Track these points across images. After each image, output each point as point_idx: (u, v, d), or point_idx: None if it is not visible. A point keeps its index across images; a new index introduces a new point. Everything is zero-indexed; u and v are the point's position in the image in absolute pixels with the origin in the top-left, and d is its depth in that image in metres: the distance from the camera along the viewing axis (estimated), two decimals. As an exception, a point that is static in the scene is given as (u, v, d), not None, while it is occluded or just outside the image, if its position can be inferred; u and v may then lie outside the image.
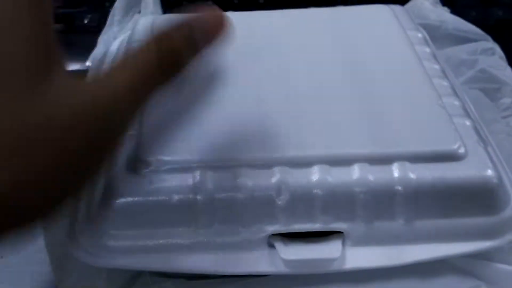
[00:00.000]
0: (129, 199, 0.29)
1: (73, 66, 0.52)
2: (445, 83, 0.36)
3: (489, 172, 0.30)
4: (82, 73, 0.46)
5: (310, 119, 0.32)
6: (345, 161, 0.30)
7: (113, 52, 0.45)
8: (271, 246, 0.30)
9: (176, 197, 0.29)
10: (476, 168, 0.30)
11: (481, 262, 0.32)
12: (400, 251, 0.30)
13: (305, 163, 0.30)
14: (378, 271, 0.31)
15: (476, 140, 0.32)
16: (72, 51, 0.54)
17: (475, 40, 0.48)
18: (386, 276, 0.31)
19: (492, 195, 0.30)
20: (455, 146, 0.30)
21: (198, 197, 0.29)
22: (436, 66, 0.37)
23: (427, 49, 0.39)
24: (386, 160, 0.30)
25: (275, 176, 0.29)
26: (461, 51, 0.47)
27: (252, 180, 0.29)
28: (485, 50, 0.47)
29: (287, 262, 0.29)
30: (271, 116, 0.32)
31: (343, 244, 0.30)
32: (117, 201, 0.29)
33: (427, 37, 0.43)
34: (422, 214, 0.30)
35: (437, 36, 0.48)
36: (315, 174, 0.30)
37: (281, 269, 0.29)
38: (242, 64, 0.36)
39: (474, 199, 0.30)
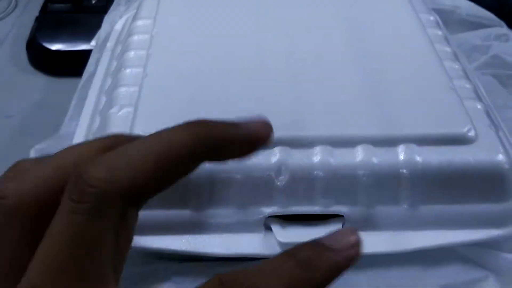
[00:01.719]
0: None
1: (80, 46, 0.52)
2: (456, 66, 0.35)
3: (500, 156, 0.28)
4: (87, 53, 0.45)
5: (314, 98, 0.31)
6: (349, 142, 0.29)
7: (117, 31, 0.44)
8: (268, 228, 0.29)
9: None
10: (486, 152, 0.29)
11: (488, 251, 0.30)
12: (403, 237, 0.29)
13: (307, 144, 0.29)
14: (379, 259, 0.29)
15: (487, 124, 0.30)
16: (79, 30, 0.53)
17: (489, 26, 0.47)
18: (387, 264, 0.30)
19: (502, 181, 0.28)
20: (465, 129, 0.29)
21: (194, 177, 0.28)
22: (448, 49, 0.36)
23: (439, 32, 0.38)
24: (391, 142, 0.29)
25: (275, 156, 0.28)
26: (474, 37, 0.46)
27: (251, 159, 0.28)
28: (499, 36, 0.45)
29: (283, 245, 0.28)
30: (273, 95, 0.31)
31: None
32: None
33: (439, 21, 0.41)
34: (428, 199, 0.28)
35: (450, 21, 0.47)
36: (316, 155, 0.28)
37: (277, 252, 0.28)
38: (244, 40, 0.35)
39: (483, 184, 0.28)
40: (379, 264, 0.30)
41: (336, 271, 0.19)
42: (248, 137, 0.22)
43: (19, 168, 0.21)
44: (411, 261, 0.30)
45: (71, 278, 0.18)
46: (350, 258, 0.20)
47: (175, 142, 0.20)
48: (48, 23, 0.55)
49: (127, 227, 0.19)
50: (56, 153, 0.22)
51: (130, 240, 0.20)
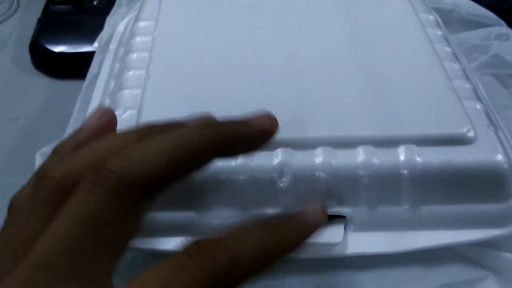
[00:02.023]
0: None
1: (83, 48, 0.52)
2: (456, 66, 0.35)
3: (499, 157, 0.29)
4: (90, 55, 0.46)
5: (314, 99, 0.31)
6: (350, 144, 0.29)
7: (119, 33, 0.44)
8: (272, 229, 0.29)
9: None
10: (485, 152, 0.29)
11: (488, 251, 0.31)
12: (404, 237, 0.29)
13: (309, 145, 0.29)
14: (380, 259, 0.30)
15: (487, 124, 0.31)
16: (81, 32, 0.54)
17: (489, 25, 0.47)
18: (388, 264, 0.30)
19: (501, 181, 0.29)
20: (464, 130, 0.29)
21: (198, 178, 0.28)
22: (448, 49, 0.36)
23: (439, 32, 0.38)
24: (392, 142, 0.29)
25: (278, 157, 0.29)
26: (474, 36, 0.46)
27: (253, 161, 0.29)
28: (499, 36, 0.45)
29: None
30: (274, 96, 0.32)
31: (346, 228, 0.29)
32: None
33: (439, 20, 0.41)
34: (428, 200, 0.29)
35: (450, 21, 0.47)
36: (318, 157, 0.29)
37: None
38: (246, 41, 0.36)
39: (483, 184, 0.29)
40: (379, 265, 0.30)
41: (303, 237, 0.22)
42: (257, 133, 0.24)
43: (60, 151, 0.24)
44: (412, 261, 0.30)
45: (76, 254, 0.19)
46: (316, 225, 0.23)
47: (189, 140, 0.22)
48: (50, 24, 0.55)
49: (136, 216, 0.21)
50: (95, 141, 0.24)
51: (137, 231, 0.21)
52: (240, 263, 0.20)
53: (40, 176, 0.22)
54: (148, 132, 0.23)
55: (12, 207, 0.22)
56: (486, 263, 0.31)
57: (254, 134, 0.24)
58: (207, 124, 0.24)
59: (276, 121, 0.25)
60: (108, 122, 0.26)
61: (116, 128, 0.26)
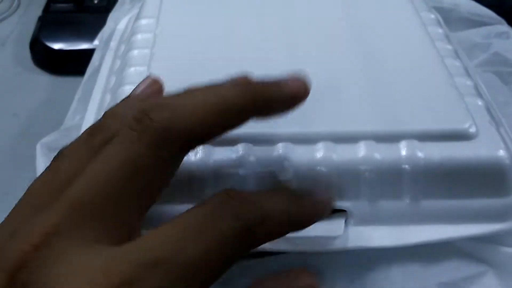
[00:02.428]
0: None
1: (83, 45, 0.52)
2: (457, 63, 0.35)
3: (501, 152, 0.29)
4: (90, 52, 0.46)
5: (316, 94, 0.31)
6: (351, 138, 0.29)
7: (120, 30, 0.44)
8: (273, 223, 0.29)
9: (180, 175, 0.28)
10: (487, 148, 0.29)
11: (488, 246, 0.31)
12: (405, 232, 0.29)
13: (310, 140, 0.29)
14: (379, 256, 0.30)
15: (488, 120, 0.31)
16: (82, 30, 0.54)
17: (490, 24, 0.47)
18: (387, 261, 0.30)
19: (503, 176, 0.29)
20: (466, 125, 0.29)
21: (198, 173, 0.28)
22: (449, 47, 0.36)
23: (440, 30, 0.38)
24: (393, 138, 0.29)
25: (278, 152, 0.29)
26: (475, 35, 0.46)
27: (254, 156, 0.29)
28: (499, 34, 0.45)
29: (287, 240, 0.28)
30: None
31: (346, 222, 0.29)
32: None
33: (440, 19, 0.42)
34: (429, 194, 0.29)
35: (450, 19, 0.47)
36: (319, 151, 0.29)
37: (281, 246, 0.28)
38: (247, 38, 0.36)
39: (484, 179, 0.29)
40: (378, 262, 0.30)
41: (315, 215, 0.24)
42: (291, 94, 0.24)
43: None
44: (411, 258, 0.30)
45: (111, 196, 0.20)
46: (328, 208, 0.24)
47: (229, 97, 0.22)
48: (51, 22, 0.56)
49: (171, 168, 0.22)
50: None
51: (168, 183, 0.22)
52: (268, 222, 0.21)
53: (91, 131, 0.23)
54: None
55: (58, 155, 0.23)
56: (486, 258, 0.30)
57: (289, 95, 0.24)
58: (245, 83, 0.24)
59: (309, 84, 0.25)
60: (157, 91, 0.27)
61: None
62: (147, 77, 0.28)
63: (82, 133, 0.24)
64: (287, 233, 0.23)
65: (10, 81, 0.52)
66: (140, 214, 0.21)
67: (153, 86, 0.28)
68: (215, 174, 0.28)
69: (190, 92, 0.23)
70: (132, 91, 0.28)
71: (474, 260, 0.30)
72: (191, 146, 0.22)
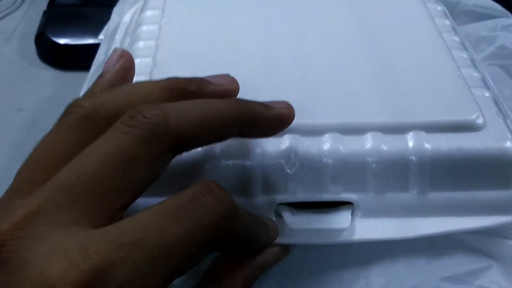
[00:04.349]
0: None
1: (88, 40, 0.52)
2: (464, 55, 0.35)
3: (508, 144, 0.28)
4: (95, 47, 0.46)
5: (323, 86, 0.31)
6: (358, 130, 0.29)
7: (125, 23, 0.44)
8: (279, 215, 0.29)
9: (183, 165, 0.28)
10: (494, 139, 0.29)
11: (493, 239, 0.30)
12: (412, 224, 0.29)
13: (317, 131, 0.29)
14: (384, 250, 0.30)
15: (495, 112, 0.30)
16: (87, 24, 0.54)
17: (495, 17, 0.47)
18: (392, 255, 0.30)
19: (510, 168, 0.28)
20: (473, 116, 0.29)
21: (206, 164, 0.28)
22: (456, 38, 0.36)
23: (447, 22, 0.38)
24: (400, 129, 0.29)
25: (285, 143, 0.28)
26: (481, 28, 0.46)
27: (261, 147, 0.28)
28: (505, 27, 0.45)
29: (294, 232, 0.28)
30: (282, 83, 0.31)
31: (353, 215, 0.29)
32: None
33: (447, 11, 0.41)
34: (436, 186, 0.29)
35: (456, 13, 0.47)
36: (326, 143, 0.29)
37: (288, 239, 0.28)
38: (253, 29, 0.36)
39: (492, 171, 0.28)
40: (383, 257, 0.30)
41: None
42: (277, 117, 0.26)
43: (94, 91, 0.26)
44: (415, 252, 0.30)
45: (98, 184, 0.20)
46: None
47: (221, 107, 0.24)
48: (55, 17, 0.56)
49: (159, 166, 0.22)
50: (128, 85, 0.27)
51: (154, 180, 0.22)
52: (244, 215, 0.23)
53: (69, 106, 0.23)
54: (177, 86, 0.25)
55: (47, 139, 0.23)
56: (491, 252, 0.30)
57: (275, 117, 0.26)
58: (234, 100, 0.26)
59: (293, 111, 0.27)
60: (127, 63, 0.28)
61: (134, 70, 0.28)
62: (114, 50, 0.28)
63: (73, 121, 0.23)
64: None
65: (16, 76, 0.52)
66: (123, 206, 0.21)
67: (123, 58, 0.28)
68: (220, 166, 0.28)
69: (182, 101, 0.24)
70: (103, 66, 0.28)
71: (479, 254, 0.30)
72: (180, 148, 0.23)
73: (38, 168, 0.22)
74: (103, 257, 0.18)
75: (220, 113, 0.24)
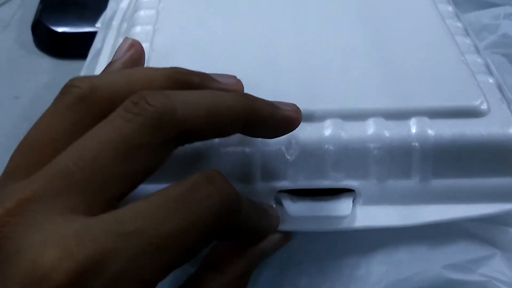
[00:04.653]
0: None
1: (85, 28, 0.52)
2: (467, 41, 0.34)
3: (513, 130, 0.28)
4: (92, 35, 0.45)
5: (324, 72, 0.31)
6: (360, 116, 0.28)
7: (123, 9, 0.44)
8: (279, 202, 0.28)
9: (182, 151, 0.28)
10: (499, 125, 0.28)
11: (497, 227, 0.30)
12: (414, 211, 0.28)
13: (317, 117, 0.28)
14: (385, 238, 0.29)
15: (500, 98, 0.30)
16: (84, 12, 0.53)
17: (498, 5, 0.46)
18: (394, 243, 0.29)
19: (514, 154, 0.28)
20: (477, 102, 0.29)
21: (205, 151, 0.28)
22: (459, 24, 0.36)
23: (450, 8, 0.38)
24: (403, 115, 0.28)
25: (285, 129, 0.28)
26: (483, 16, 0.45)
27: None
28: (508, 15, 0.45)
29: (294, 219, 0.28)
30: (283, 69, 0.31)
31: (354, 202, 0.28)
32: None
33: (449, -2, 0.41)
34: (439, 173, 0.28)
35: (458, 1, 0.46)
36: (327, 129, 0.28)
37: (288, 226, 0.28)
38: (253, 15, 0.35)
39: (496, 158, 0.28)
40: (384, 245, 0.30)
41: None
42: (285, 119, 0.25)
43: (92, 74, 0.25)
44: (417, 240, 0.29)
45: (98, 172, 0.19)
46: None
47: (228, 101, 0.23)
48: (53, 5, 0.55)
49: (161, 156, 0.21)
50: (129, 69, 0.26)
51: (156, 170, 0.21)
52: (245, 208, 0.22)
53: (65, 86, 0.22)
54: (181, 77, 0.24)
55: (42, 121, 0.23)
56: (494, 240, 0.30)
57: (282, 119, 0.25)
58: (242, 94, 0.25)
59: (301, 115, 0.25)
60: (137, 54, 0.27)
61: (144, 60, 0.28)
62: (125, 39, 0.28)
63: (69, 101, 0.22)
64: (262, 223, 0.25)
65: (12, 64, 0.51)
66: (121, 195, 0.20)
67: (134, 48, 0.27)
68: (220, 153, 0.28)
69: (188, 91, 0.23)
70: (114, 55, 0.27)
71: (482, 242, 0.30)
72: (183, 139, 0.22)
73: (33, 151, 0.21)
74: (99, 247, 0.17)
75: (228, 109, 0.23)
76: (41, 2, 0.55)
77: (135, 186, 0.21)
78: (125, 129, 0.20)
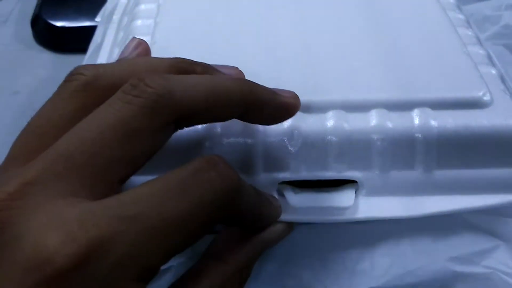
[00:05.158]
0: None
1: (85, 22, 0.52)
2: (469, 32, 0.34)
3: (516, 120, 0.28)
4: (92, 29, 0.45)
5: (326, 63, 0.30)
6: (363, 107, 0.28)
7: (123, 4, 0.43)
8: (281, 195, 0.28)
9: (184, 142, 0.28)
10: (502, 116, 0.28)
11: (500, 219, 0.30)
12: (417, 202, 0.28)
13: (320, 108, 0.28)
14: (389, 230, 0.29)
15: (502, 89, 0.30)
16: (84, 6, 0.53)
17: (500, -4, 0.46)
18: (398, 235, 0.29)
19: (518, 145, 0.28)
20: (480, 93, 0.28)
21: (207, 143, 0.28)
22: (461, 16, 0.36)
23: (451, 0, 0.37)
24: (406, 106, 0.28)
25: (288, 121, 0.28)
26: (485, 7, 0.45)
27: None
28: (510, 6, 0.45)
29: (296, 210, 0.27)
30: (285, 61, 0.31)
31: (357, 193, 0.28)
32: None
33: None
34: (443, 164, 0.28)
35: (460, -8, 0.46)
36: (330, 120, 0.28)
37: (291, 217, 0.27)
38: (254, 8, 0.35)
39: (499, 148, 0.28)
40: (387, 237, 0.29)
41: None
42: (283, 105, 0.25)
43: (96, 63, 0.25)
44: (421, 233, 0.29)
45: (99, 156, 0.19)
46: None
47: (228, 85, 0.23)
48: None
49: (161, 139, 0.21)
50: (132, 58, 0.26)
51: (155, 153, 0.21)
52: (247, 191, 0.22)
53: (70, 73, 0.23)
54: (184, 66, 0.24)
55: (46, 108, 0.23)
56: (497, 232, 0.30)
57: (281, 105, 0.25)
58: (242, 79, 0.25)
59: (299, 102, 0.26)
60: (144, 52, 0.27)
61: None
62: (132, 38, 0.28)
63: (73, 88, 0.22)
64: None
65: (12, 59, 0.51)
66: (123, 178, 0.20)
67: (141, 46, 0.27)
68: (222, 144, 0.28)
69: (188, 75, 0.23)
70: (120, 54, 0.27)
71: (486, 234, 0.30)
72: (182, 121, 0.22)
73: (35, 136, 0.21)
74: (102, 231, 0.17)
75: (227, 92, 0.22)
76: (40, -4, 0.55)
77: (136, 169, 0.21)
78: (124, 111, 0.20)
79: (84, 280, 0.17)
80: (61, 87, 0.22)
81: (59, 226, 0.17)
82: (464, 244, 0.29)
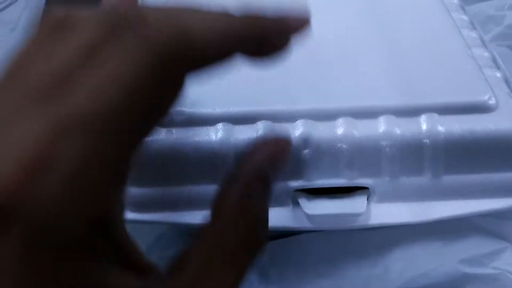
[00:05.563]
0: (150, 152, 0.28)
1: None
2: (474, 34, 0.35)
3: (522, 124, 0.28)
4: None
5: (335, 70, 0.31)
6: (371, 114, 0.29)
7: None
8: (295, 202, 0.29)
9: (197, 151, 0.28)
10: (508, 120, 0.29)
11: (508, 222, 0.31)
12: (427, 207, 0.29)
13: (330, 116, 0.29)
14: (400, 235, 0.30)
15: (507, 92, 0.30)
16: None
17: (502, -5, 0.46)
18: (409, 240, 0.30)
19: (524, 149, 0.28)
20: (486, 97, 0.29)
21: (220, 151, 0.28)
22: (465, 17, 0.36)
23: (455, 1, 0.38)
24: (413, 112, 0.29)
25: (299, 129, 0.28)
26: (488, 7, 0.45)
27: (276, 133, 0.28)
28: (513, 6, 0.45)
29: (310, 218, 0.28)
30: (294, 69, 0.31)
31: (368, 199, 0.29)
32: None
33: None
34: (451, 169, 0.29)
35: (463, -8, 0.46)
36: (340, 127, 0.29)
37: (305, 224, 0.28)
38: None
39: (506, 152, 0.28)
40: (400, 241, 0.30)
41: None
42: (289, 31, 0.23)
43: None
44: (431, 236, 0.30)
45: (117, 113, 0.16)
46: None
47: (232, 22, 0.19)
48: (59, 3, 0.55)
49: (176, 89, 0.18)
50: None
51: (166, 114, 0.19)
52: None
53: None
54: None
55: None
56: (506, 235, 0.31)
57: (287, 32, 0.23)
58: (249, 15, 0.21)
59: (309, 19, 0.23)
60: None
61: None
62: None
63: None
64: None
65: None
66: (141, 135, 0.18)
67: None
68: (236, 152, 0.28)
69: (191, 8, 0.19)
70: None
71: (494, 237, 0.31)
72: (195, 64, 0.19)
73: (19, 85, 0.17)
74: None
75: (234, 29, 0.20)
76: (47, 2, 0.55)
77: (147, 133, 0.18)
78: (135, 61, 0.16)
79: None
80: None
81: None
82: (474, 246, 0.30)
